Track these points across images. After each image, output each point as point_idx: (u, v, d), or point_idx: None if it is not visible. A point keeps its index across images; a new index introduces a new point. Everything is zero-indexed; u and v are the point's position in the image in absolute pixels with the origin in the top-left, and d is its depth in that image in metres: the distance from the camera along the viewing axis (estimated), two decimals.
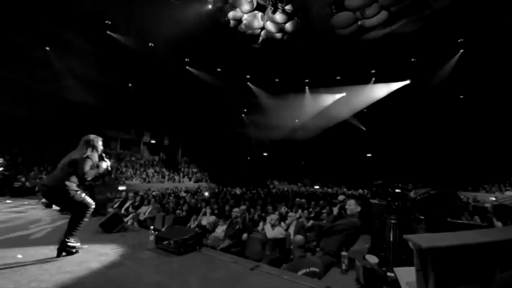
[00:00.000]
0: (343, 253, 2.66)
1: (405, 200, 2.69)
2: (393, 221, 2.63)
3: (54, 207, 6.24)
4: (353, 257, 2.80)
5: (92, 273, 2.61)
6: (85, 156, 3.04)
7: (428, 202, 3.20)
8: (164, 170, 21.15)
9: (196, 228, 4.90)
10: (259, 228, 4.92)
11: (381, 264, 2.55)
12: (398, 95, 18.59)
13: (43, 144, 16.02)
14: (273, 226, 4.25)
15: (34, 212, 6.08)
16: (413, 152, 21.18)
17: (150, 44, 15.77)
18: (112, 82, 18.11)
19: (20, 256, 2.94)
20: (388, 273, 2.39)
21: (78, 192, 3.04)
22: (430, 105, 19.02)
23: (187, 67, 18.72)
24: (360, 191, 17.98)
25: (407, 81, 18.05)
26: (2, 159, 8.56)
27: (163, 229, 5.13)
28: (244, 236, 4.38)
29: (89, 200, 3.14)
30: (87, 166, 3.05)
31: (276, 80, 19.87)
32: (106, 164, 3.37)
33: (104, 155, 3.38)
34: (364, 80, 18.71)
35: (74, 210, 3.08)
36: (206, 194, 11.90)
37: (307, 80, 19.87)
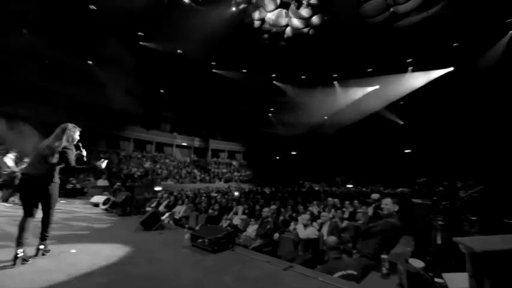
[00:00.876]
0: (384, 256, 2.49)
1: (454, 199, 2.44)
2: (440, 222, 2.40)
3: (101, 206, 6.84)
4: (394, 260, 2.61)
5: (137, 267, 2.79)
6: (65, 147, 2.89)
7: (481, 201, 2.87)
8: (195, 171, 22.01)
9: (228, 228, 5.00)
10: (291, 228, 4.85)
11: (427, 269, 2.34)
12: (439, 84, 16.99)
13: (90, 149, 17.68)
14: (305, 226, 4.16)
15: (84, 211, 6.74)
16: (461, 145, 19.14)
17: (178, 51, 16.53)
18: (145, 89, 19.38)
19: (73, 251, 3.26)
20: (436, 279, 2.19)
21: (57, 184, 2.93)
22: (478, 93, 17.06)
23: (213, 70, 19.24)
24: (399, 189, 16.68)
25: (451, 68, 16.42)
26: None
27: (197, 228, 5.32)
28: (276, 235, 4.35)
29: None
30: (72, 155, 2.96)
31: (303, 76, 19.47)
32: (83, 154, 3.26)
33: (80, 144, 3.27)
34: (400, 70, 17.45)
35: (49, 204, 2.84)
36: (236, 193, 12.09)
37: (335, 75, 19.13)
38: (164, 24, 13.84)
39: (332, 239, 2.88)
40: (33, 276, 2.42)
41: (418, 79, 17.44)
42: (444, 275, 2.13)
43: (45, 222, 2.88)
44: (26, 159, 7.63)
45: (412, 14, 11.11)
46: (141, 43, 16.00)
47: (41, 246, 2.90)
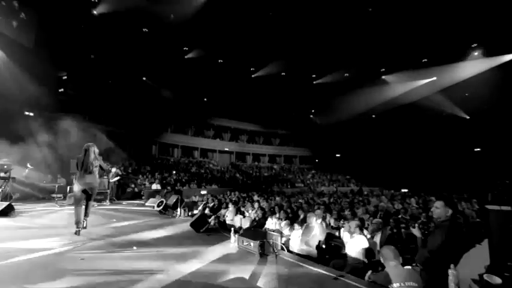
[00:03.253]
0: (452, 270, 2.17)
1: None
2: None
3: (156, 207, 7.50)
4: (465, 275, 2.27)
5: (191, 266, 2.98)
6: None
7: None
8: (237, 175, 22.61)
9: (273, 232, 4.98)
10: (338, 234, 4.61)
11: (505, 286, 1.98)
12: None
13: (145, 156, 19.73)
14: (352, 234, 3.88)
15: (142, 212, 7.49)
16: None
17: (219, 61, 17.38)
18: (188, 98, 20.85)
19: (135, 248, 3.64)
20: None
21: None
22: None
23: (252, 75, 19.68)
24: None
25: None
26: (119, 170, 10.98)
27: (241, 231, 5.44)
28: (322, 242, 4.18)
29: None
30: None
31: (346, 74, 18.54)
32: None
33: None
34: (461, 58, 15.29)
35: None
36: (278, 198, 12.02)
37: (383, 69, 17.66)
38: (206, 36, 14.71)
39: (390, 248, 2.62)
40: None
41: (483, 65, 15.01)
42: None
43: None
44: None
45: None
46: (186, 57, 17.29)
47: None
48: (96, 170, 4.59)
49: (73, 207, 4.39)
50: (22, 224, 5.15)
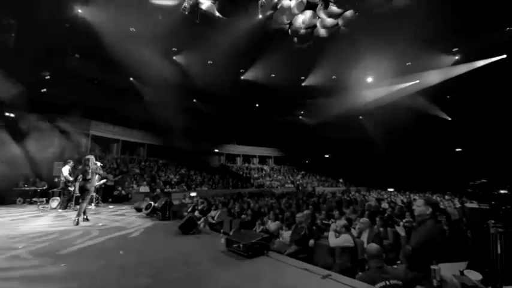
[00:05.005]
0: (434, 267, 2.25)
1: None
2: (501, 230, 2.11)
3: (144, 210, 7.35)
4: (447, 271, 2.35)
5: (176, 269, 2.94)
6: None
7: None
8: (228, 176, 22.49)
9: (262, 233, 4.99)
10: (326, 234, 4.67)
11: (485, 281, 2.07)
12: (491, 73, 15.03)
13: (134, 159, 19.31)
14: (338, 233, 3.93)
15: (129, 215, 7.31)
16: None
17: (209, 62, 17.23)
18: (185, 103, 20.67)
19: (121, 252, 3.55)
20: None
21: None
22: None
23: (241, 77, 19.65)
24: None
25: (503, 56, 14.49)
26: (105, 173, 10.68)
27: (231, 233, 5.41)
28: (311, 242, 4.22)
29: None
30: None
31: (334, 76, 18.82)
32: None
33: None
34: (444, 61, 15.86)
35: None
36: (267, 198, 12.07)
37: (370, 71, 18.08)
38: (195, 37, 14.57)
39: (374, 247, 2.68)
40: None
41: (462, 68, 15.66)
42: None
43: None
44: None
45: None
46: (174, 57, 17.05)
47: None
48: (93, 177, 6.00)
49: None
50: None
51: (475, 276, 2.11)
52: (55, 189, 8.50)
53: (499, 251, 2.02)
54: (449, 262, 2.69)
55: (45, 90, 15.11)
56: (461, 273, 2.41)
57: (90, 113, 17.45)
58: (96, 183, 9.20)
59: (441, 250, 2.64)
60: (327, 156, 30.56)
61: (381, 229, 4.44)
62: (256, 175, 25.43)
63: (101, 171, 6.49)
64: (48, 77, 14.81)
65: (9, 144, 10.13)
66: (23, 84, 11.74)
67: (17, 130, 10.96)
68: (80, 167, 6.05)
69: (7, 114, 12.14)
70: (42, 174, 10.28)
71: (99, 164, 6.50)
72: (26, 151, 10.44)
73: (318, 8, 11.31)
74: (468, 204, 2.65)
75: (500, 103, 16.39)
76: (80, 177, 6.15)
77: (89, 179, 5.81)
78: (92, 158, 6.07)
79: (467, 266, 2.78)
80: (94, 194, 8.72)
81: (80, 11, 12.01)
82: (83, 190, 5.78)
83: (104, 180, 9.81)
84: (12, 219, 5.96)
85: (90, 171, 5.85)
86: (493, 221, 2.13)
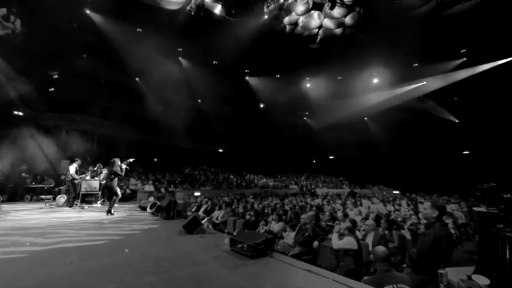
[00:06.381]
0: (441, 271, 2.22)
1: None
2: (510, 234, 2.07)
3: (148, 209, 7.41)
4: (454, 276, 2.32)
5: (180, 268, 2.95)
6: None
7: None
8: (231, 176, 22.51)
9: (266, 234, 4.98)
10: (331, 236, 4.64)
11: (493, 286, 2.03)
12: (499, 75, 14.78)
13: (139, 158, 19.45)
14: (341, 235, 3.89)
15: (135, 214, 7.38)
16: None
17: (214, 62, 17.32)
18: (186, 102, 20.74)
19: (126, 250, 3.58)
20: None
21: None
22: None
23: (246, 77, 19.70)
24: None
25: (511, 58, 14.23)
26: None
27: (234, 233, 5.42)
28: (315, 243, 4.20)
29: None
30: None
31: (339, 77, 18.75)
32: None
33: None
34: (451, 63, 15.67)
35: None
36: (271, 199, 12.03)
37: (375, 73, 17.94)
38: (201, 39, 14.66)
39: (382, 250, 2.64)
40: None
41: (471, 71, 15.43)
42: None
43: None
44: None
45: (463, 1, 9.96)
46: (180, 58, 17.18)
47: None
48: (115, 178, 6.87)
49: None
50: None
51: (482, 281, 2.08)
52: (61, 187, 8.62)
53: (507, 256, 1.98)
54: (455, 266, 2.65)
55: (53, 89, 15.37)
56: (469, 277, 2.37)
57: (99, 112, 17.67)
58: (102, 182, 9.33)
59: (448, 254, 2.60)
60: (331, 157, 30.40)
61: (386, 232, 4.40)
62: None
63: (121, 173, 7.09)
64: (56, 76, 15.05)
65: (22, 142, 10.33)
66: (32, 83, 11.95)
67: (27, 128, 11.15)
68: (105, 168, 7.40)
69: (16, 112, 12.38)
70: (49, 172, 10.45)
71: (124, 166, 7.16)
72: (40, 150, 10.67)
73: (323, 9, 11.27)
74: (476, 208, 2.60)
75: (509, 105, 16.08)
76: (88, 175, 7.42)
77: (113, 179, 6.76)
78: (117, 160, 6.87)
79: (475, 270, 2.74)
80: (99, 192, 8.81)
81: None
82: (108, 189, 7.10)
83: None
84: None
85: (114, 171, 6.73)
86: (502, 226, 2.09)
